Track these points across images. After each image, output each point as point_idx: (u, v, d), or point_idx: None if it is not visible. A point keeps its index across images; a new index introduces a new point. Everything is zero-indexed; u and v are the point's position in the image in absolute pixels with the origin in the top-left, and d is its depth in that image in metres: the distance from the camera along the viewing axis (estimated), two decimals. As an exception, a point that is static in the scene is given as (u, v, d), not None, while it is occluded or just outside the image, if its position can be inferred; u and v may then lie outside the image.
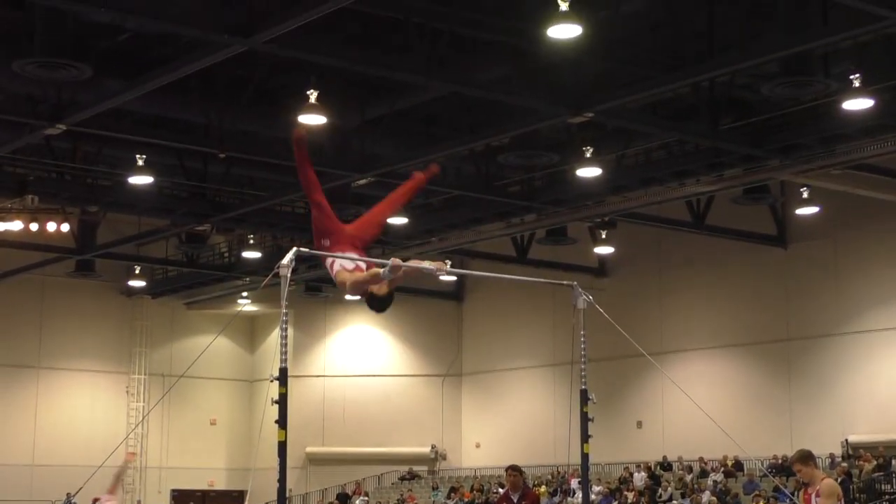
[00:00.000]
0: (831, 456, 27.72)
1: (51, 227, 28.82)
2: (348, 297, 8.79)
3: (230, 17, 16.40)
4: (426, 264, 9.32)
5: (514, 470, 12.43)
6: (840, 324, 29.18)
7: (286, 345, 8.50)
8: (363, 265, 8.96)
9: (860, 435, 28.38)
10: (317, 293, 36.89)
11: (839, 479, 24.95)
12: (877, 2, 15.19)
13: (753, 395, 31.05)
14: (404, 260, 9.11)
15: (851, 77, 18.74)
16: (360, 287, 8.89)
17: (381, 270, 8.85)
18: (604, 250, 31.57)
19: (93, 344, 38.60)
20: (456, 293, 39.59)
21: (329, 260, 9.17)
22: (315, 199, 9.46)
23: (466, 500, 33.61)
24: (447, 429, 39.57)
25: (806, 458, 9.51)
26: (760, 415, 30.42)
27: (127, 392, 38.95)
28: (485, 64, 19.95)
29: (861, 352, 28.83)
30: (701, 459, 30.39)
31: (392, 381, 39.82)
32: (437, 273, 9.50)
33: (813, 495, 9.37)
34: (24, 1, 17.37)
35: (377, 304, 9.01)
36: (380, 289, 8.85)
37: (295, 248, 8.77)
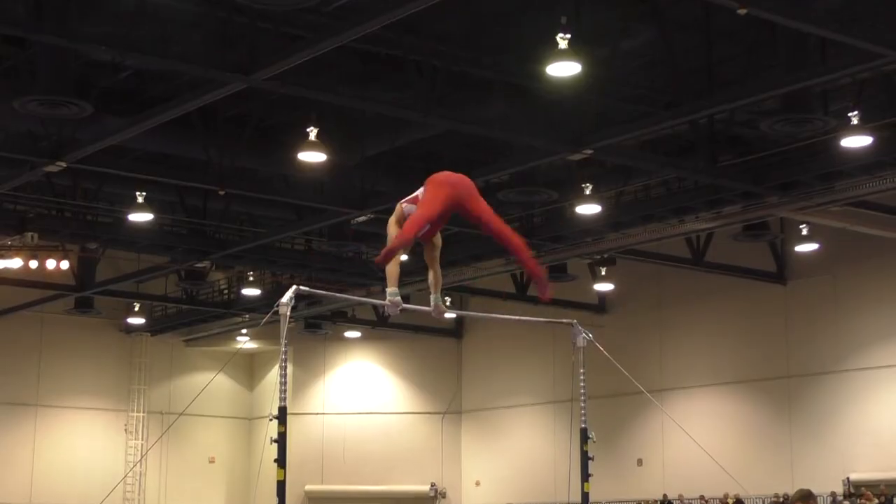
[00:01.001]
0: (833, 494, 27.61)
1: (50, 264, 28.79)
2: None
3: (231, 54, 16.47)
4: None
5: None
6: (841, 361, 29.12)
7: (285, 383, 8.51)
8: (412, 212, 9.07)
9: (862, 473, 28.25)
10: (316, 330, 36.84)
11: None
12: (874, 40, 15.26)
13: (754, 432, 30.95)
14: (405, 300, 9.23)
15: (850, 114, 18.81)
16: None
17: (386, 304, 9.02)
18: (603, 287, 31.55)
19: (91, 381, 38.48)
20: (455, 330, 39.53)
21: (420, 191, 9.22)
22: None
23: (466, 538, 33.47)
24: (447, 467, 39.41)
25: (806, 496, 9.43)
26: (761, 452, 30.31)
27: (125, 430, 38.79)
28: (484, 101, 20.02)
29: (862, 389, 28.76)
30: (701, 497, 30.27)
31: (392, 419, 39.69)
32: (436, 315, 9.58)
33: None
34: (26, 39, 17.44)
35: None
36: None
37: (294, 287, 8.80)
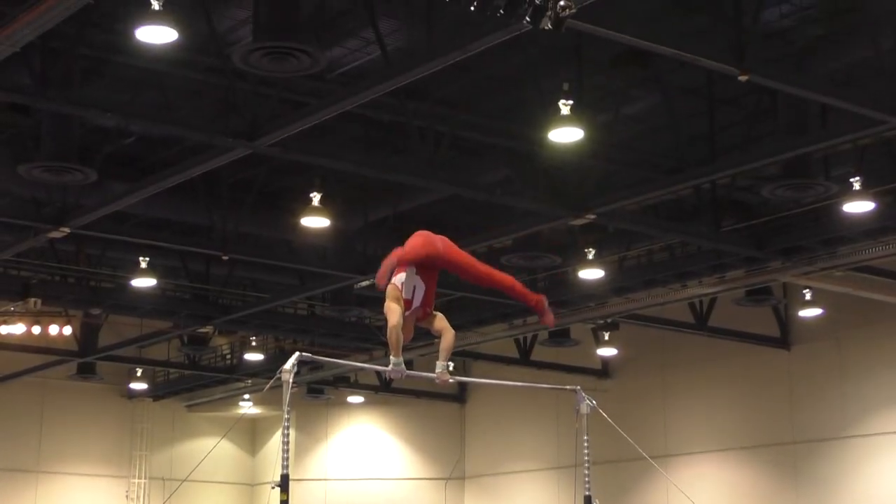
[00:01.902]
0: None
1: (53, 330, 28.78)
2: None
3: (234, 121, 16.57)
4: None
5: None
6: (846, 426, 28.96)
7: (288, 450, 8.47)
8: (410, 296, 9.15)
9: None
10: (319, 395, 36.73)
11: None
12: (875, 106, 15.34)
13: (759, 498, 30.71)
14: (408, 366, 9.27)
15: (852, 180, 18.86)
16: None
17: (389, 371, 9.06)
18: (607, 352, 31.48)
19: (93, 447, 38.31)
20: (459, 395, 39.40)
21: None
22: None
23: None
24: (450, 533, 39.12)
25: None
26: (767, 519, 30.09)
27: (127, 496, 38.53)
28: (486, 166, 20.12)
29: (867, 455, 28.56)
30: (707, 564, 30.02)
31: (395, 484, 39.44)
32: (438, 382, 9.61)
33: None
34: (31, 106, 17.56)
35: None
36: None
37: (297, 353, 8.79)
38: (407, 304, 9.28)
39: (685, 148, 18.52)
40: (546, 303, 9.90)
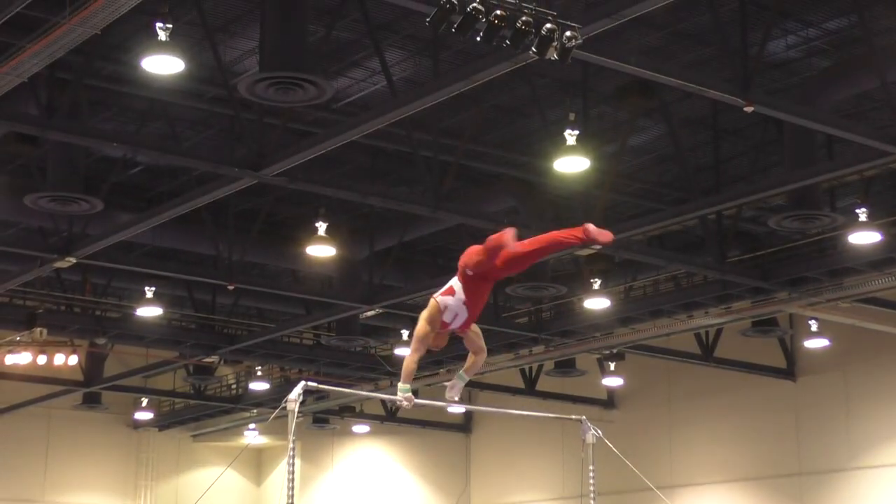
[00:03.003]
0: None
1: (59, 359, 28.77)
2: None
3: (239, 151, 16.61)
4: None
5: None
6: (852, 458, 28.84)
7: (293, 480, 8.44)
8: (450, 320, 9.11)
9: (875, 572, 27.88)
10: (324, 424, 36.67)
11: None
12: (881, 138, 15.33)
13: (766, 530, 30.58)
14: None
15: (857, 211, 18.84)
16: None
17: (397, 399, 9.02)
18: (613, 382, 31.40)
19: (98, 477, 38.23)
20: (464, 425, 39.31)
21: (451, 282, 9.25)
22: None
23: None
24: (456, 564, 38.95)
25: None
26: (773, 551, 29.93)
27: (131, 526, 38.49)
28: (492, 196, 20.13)
29: (874, 486, 28.43)
30: None
31: (400, 515, 39.33)
32: (449, 394, 9.58)
33: None
34: (38, 136, 17.62)
35: None
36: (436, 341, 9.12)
37: (303, 382, 8.76)
38: (444, 325, 9.19)
39: (691, 178, 18.52)
40: (591, 226, 9.41)
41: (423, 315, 9.14)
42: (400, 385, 9.21)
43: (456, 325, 9.18)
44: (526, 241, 9.29)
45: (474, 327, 9.47)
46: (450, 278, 9.37)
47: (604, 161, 17.46)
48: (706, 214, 19.72)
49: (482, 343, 9.60)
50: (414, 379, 25.10)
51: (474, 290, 9.18)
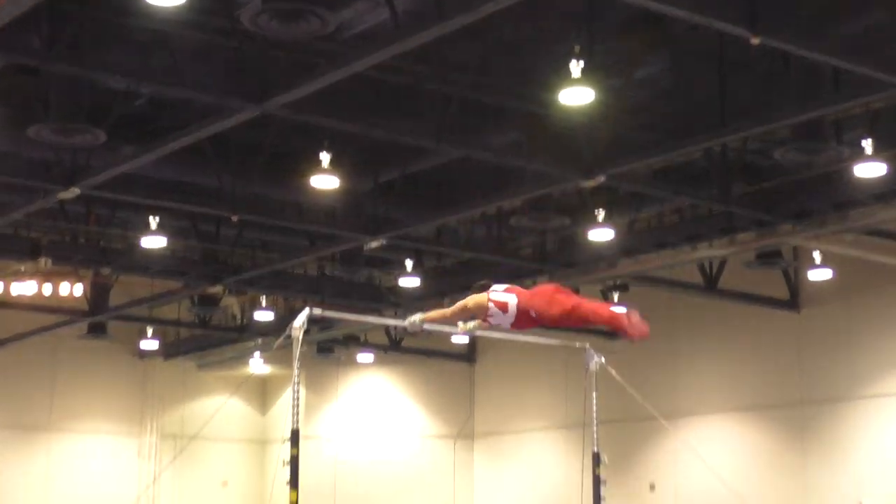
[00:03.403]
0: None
1: (64, 289, 28.87)
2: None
3: (243, 83, 16.53)
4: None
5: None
6: (854, 388, 28.99)
7: (298, 406, 8.50)
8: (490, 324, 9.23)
9: (876, 500, 28.10)
10: (328, 354, 36.84)
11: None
12: (888, 70, 15.25)
13: (767, 459, 30.80)
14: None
15: (863, 143, 18.76)
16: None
17: (405, 324, 9.08)
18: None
19: (104, 406, 38.55)
20: (468, 354, 39.50)
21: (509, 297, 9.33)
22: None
23: (478, 564, 33.37)
24: (459, 490, 39.29)
25: None
26: (774, 479, 30.16)
27: (138, 454, 38.82)
28: (497, 129, 20.05)
29: (875, 416, 28.61)
30: (715, 524, 30.15)
31: (404, 442, 39.62)
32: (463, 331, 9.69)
33: None
34: (40, 68, 17.52)
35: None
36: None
37: (307, 310, 8.79)
38: (484, 320, 9.29)
39: (696, 111, 18.44)
40: (635, 317, 9.72)
41: (471, 302, 9.23)
42: (417, 316, 9.24)
43: (494, 326, 9.35)
44: (585, 305, 9.54)
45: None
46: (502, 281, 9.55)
47: (609, 94, 17.35)
48: (711, 147, 19.67)
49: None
50: (417, 310, 25.21)
51: (524, 322, 9.39)
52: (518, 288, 9.63)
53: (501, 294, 9.35)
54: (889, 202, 20.89)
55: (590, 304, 9.60)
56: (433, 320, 9.30)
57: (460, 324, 9.50)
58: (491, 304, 9.24)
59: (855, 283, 28.32)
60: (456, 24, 13.83)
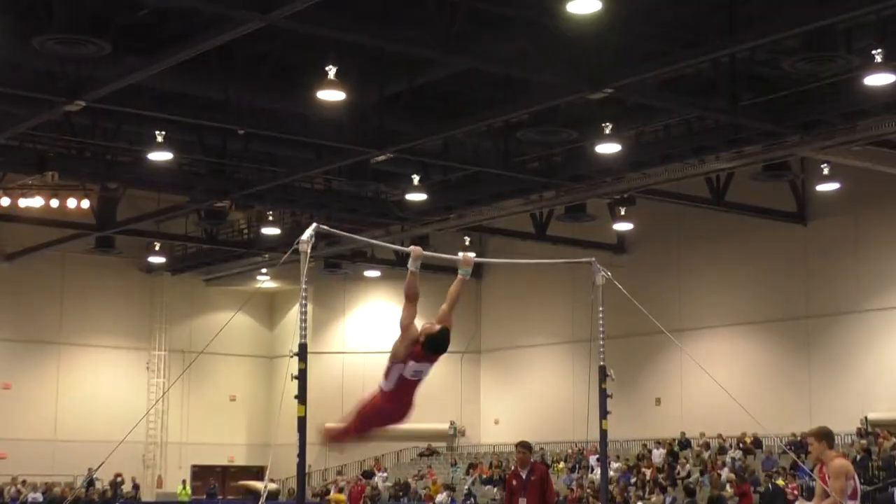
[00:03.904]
0: (860, 431, 27.59)
1: (71, 203, 28.87)
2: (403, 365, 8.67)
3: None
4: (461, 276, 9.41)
5: (522, 447, 12.46)
6: (860, 301, 29.07)
7: (306, 321, 8.51)
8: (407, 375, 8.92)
9: (879, 412, 28.28)
10: (336, 269, 36.91)
11: (858, 457, 24.92)
12: (899, -24, 15.07)
13: (773, 372, 30.98)
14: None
15: (873, 52, 18.56)
16: (407, 344, 8.83)
17: (410, 267, 8.93)
18: (623, 227, 31.47)
19: (113, 320, 38.79)
20: (474, 270, 39.35)
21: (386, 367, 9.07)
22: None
23: (485, 476, 33.68)
24: (466, 405, 39.62)
25: (821, 434, 9.31)
26: (779, 392, 30.34)
27: (147, 368, 39.14)
28: (503, 39, 19.86)
29: (881, 329, 28.73)
30: (719, 436, 30.36)
31: (411, 358, 39.82)
32: (465, 266, 9.51)
33: (827, 474, 9.23)
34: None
35: (435, 344, 8.90)
36: (431, 328, 8.88)
37: (314, 224, 8.74)
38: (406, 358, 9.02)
39: (705, 20, 18.25)
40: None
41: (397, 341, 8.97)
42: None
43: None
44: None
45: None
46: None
47: (616, 3, 17.17)
48: (719, 57, 19.50)
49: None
50: (425, 224, 25.08)
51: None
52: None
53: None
54: (898, 112, 20.79)
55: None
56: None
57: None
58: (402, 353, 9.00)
59: (863, 194, 28.27)
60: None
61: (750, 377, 30.62)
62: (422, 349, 8.62)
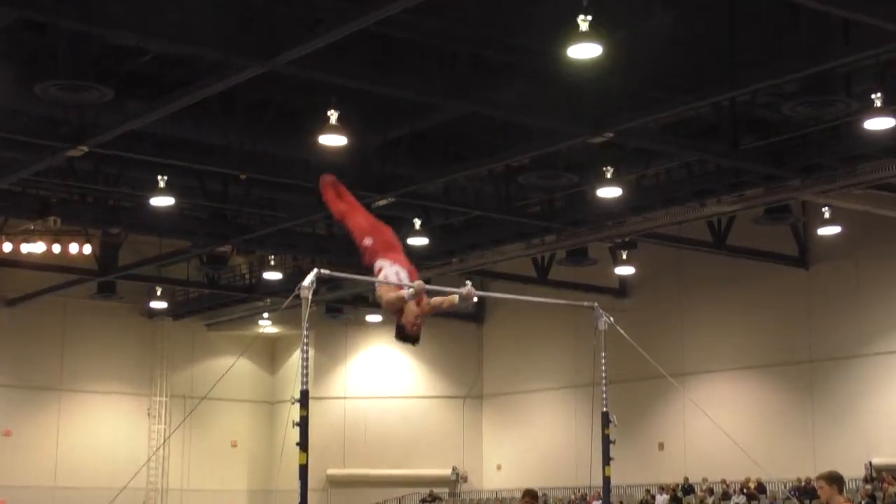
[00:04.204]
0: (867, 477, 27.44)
1: (73, 248, 28.90)
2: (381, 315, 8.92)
3: (251, 38, 16.47)
4: (456, 294, 9.46)
5: (529, 496, 12.27)
6: (862, 345, 29.01)
7: (307, 367, 8.49)
8: (404, 277, 9.09)
9: (884, 457, 28.16)
10: (337, 315, 36.88)
11: (863, 503, 24.79)
12: (897, 21, 15.14)
13: (776, 416, 30.87)
14: (430, 296, 9.24)
15: (873, 96, 18.65)
16: (391, 306, 9.04)
17: (406, 291, 8.97)
18: (624, 271, 31.48)
19: (114, 366, 38.70)
20: (476, 314, 39.53)
21: (376, 267, 9.26)
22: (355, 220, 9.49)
23: (488, 522, 33.52)
24: (468, 450, 39.47)
25: (832, 479, 9.24)
26: (783, 437, 30.24)
27: (148, 414, 39.00)
28: (504, 84, 19.94)
29: (884, 373, 28.66)
30: (723, 481, 30.22)
31: (413, 403, 39.74)
32: (465, 301, 9.56)
33: None
34: (48, 24, 17.47)
35: (402, 336, 9.25)
36: (407, 318, 9.00)
37: (316, 270, 8.75)
38: (399, 289, 9.16)
39: (705, 65, 18.32)
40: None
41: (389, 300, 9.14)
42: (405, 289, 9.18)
43: (406, 279, 9.15)
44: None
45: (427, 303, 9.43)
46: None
47: (617, 48, 17.23)
48: (720, 101, 19.57)
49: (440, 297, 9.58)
50: (426, 268, 25.03)
51: (388, 255, 9.27)
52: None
53: (377, 272, 9.27)
54: (898, 156, 20.84)
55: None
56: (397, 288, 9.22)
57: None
58: (385, 290, 9.14)
59: (864, 238, 28.29)
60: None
61: (753, 421, 30.53)
62: (397, 324, 9.09)
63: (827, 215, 26.43)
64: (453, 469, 39.19)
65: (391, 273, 9.25)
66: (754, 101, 20.15)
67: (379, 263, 9.35)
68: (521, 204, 25.66)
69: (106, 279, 32.89)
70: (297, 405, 8.31)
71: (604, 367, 11.00)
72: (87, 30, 16.70)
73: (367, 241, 9.44)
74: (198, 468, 39.44)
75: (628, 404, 30.41)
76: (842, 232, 27.35)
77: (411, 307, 9.11)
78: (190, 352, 39.64)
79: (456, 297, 9.49)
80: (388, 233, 9.56)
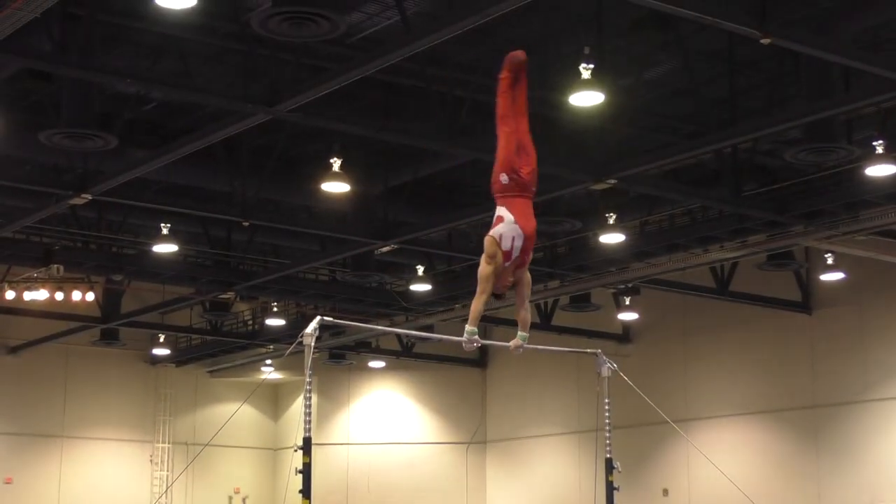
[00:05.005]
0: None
1: (76, 296, 28.85)
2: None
3: (254, 86, 16.56)
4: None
5: None
6: (867, 391, 28.90)
7: (310, 414, 8.50)
8: (518, 245, 9.01)
9: None
10: (340, 360, 36.84)
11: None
12: (898, 69, 15.21)
13: (780, 462, 30.72)
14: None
15: (874, 143, 18.72)
16: (483, 271, 9.03)
17: (466, 345, 9.00)
18: (628, 317, 31.46)
19: (117, 412, 38.58)
20: (479, 360, 39.46)
21: (497, 213, 9.12)
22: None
23: (491, 569, 33.32)
24: (472, 496, 39.25)
25: None
26: (788, 483, 30.08)
27: (151, 461, 38.83)
28: (507, 131, 19.98)
29: (889, 419, 28.51)
30: (728, 528, 30.06)
31: (416, 449, 39.59)
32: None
33: None
34: (51, 73, 17.57)
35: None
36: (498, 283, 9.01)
37: (318, 317, 8.78)
38: (506, 256, 9.12)
39: (707, 112, 18.40)
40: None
41: (483, 256, 9.12)
42: (467, 327, 9.16)
43: (517, 251, 9.10)
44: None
45: (527, 276, 9.45)
46: (481, 212, 9.53)
47: (619, 95, 17.34)
48: (722, 148, 19.63)
49: (528, 292, 9.58)
50: (429, 314, 25.23)
51: (516, 204, 9.17)
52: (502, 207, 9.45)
53: (497, 220, 9.26)
54: (901, 203, 20.86)
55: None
56: (475, 313, 9.19)
57: (464, 343, 9.29)
58: (492, 233, 9.11)
59: (867, 284, 28.25)
60: (465, 25, 13.82)
61: (757, 467, 30.38)
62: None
63: (830, 261, 26.41)
64: (457, 516, 39.01)
65: (507, 235, 9.16)
66: (756, 147, 20.22)
67: (501, 212, 9.24)
68: (524, 250, 25.66)
69: (108, 326, 32.86)
70: (300, 452, 8.31)
71: (607, 413, 11.02)
72: (91, 78, 16.79)
73: (503, 178, 9.31)
74: (200, 515, 39.26)
75: (632, 450, 30.30)
76: (845, 277, 27.34)
77: (506, 275, 9.12)
78: (192, 398, 39.56)
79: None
80: (527, 168, 9.41)
